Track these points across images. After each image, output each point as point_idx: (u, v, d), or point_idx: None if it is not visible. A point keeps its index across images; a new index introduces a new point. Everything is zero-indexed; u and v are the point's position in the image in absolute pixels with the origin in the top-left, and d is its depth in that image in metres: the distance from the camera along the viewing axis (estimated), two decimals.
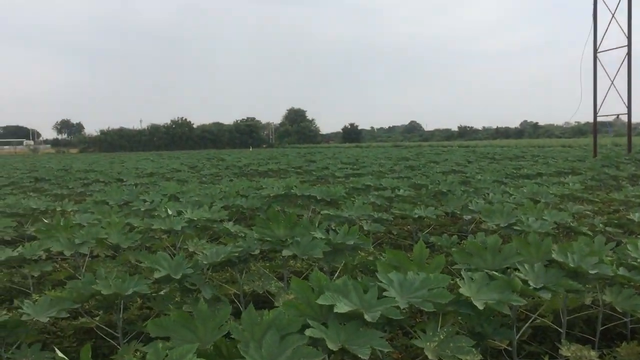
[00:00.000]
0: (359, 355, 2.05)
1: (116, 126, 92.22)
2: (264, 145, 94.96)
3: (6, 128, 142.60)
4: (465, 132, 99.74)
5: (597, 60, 20.16)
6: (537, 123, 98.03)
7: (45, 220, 5.11)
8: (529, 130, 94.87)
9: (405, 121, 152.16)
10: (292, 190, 7.50)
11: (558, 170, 13.08)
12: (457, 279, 3.18)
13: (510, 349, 3.02)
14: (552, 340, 3.37)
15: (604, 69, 20.10)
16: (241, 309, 3.79)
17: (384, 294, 2.43)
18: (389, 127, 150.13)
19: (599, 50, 20.15)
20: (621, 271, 3.04)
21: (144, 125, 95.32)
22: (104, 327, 3.52)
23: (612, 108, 20.60)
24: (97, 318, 3.73)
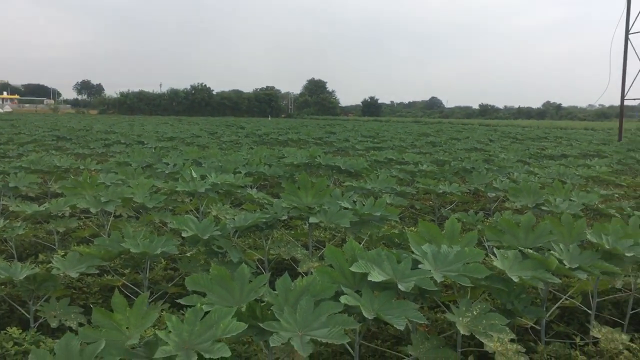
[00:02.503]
0: (395, 326, 2.02)
1: (136, 89, 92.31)
2: (283, 115, 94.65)
3: (27, 86, 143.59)
4: (486, 111, 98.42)
5: (629, 42, 19.66)
6: (560, 104, 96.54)
7: (72, 178, 5.14)
8: (552, 111, 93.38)
9: (426, 97, 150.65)
10: (316, 160, 7.46)
11: (583, 153, 12.88)
12: (487, 256, 3.14)
13: (537, 327, 2.98)
14: (580, 321, 3.33)
15: (635, 51, 19.62)
16: (265, 273, 3.79)
17: (419, 266, 2.39)
18: (409, 102, 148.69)
19: (631, 32, 19.62)
20: None
21: (164, 89, 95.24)
22: (130, 285, 3.54)
23: (639, 92, 20.16)
24: (124, 277, 3.75)
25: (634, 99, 20.79)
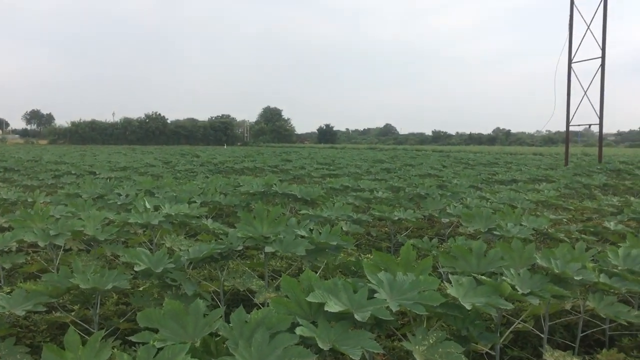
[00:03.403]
0: (351, 356, 2.01)
1: (88, 118, 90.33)
2: (239, 143, 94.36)
3: None
4: (439, 137, 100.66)
5: (572, 71, 20.52)
6: (509, 130, 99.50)
7: (20, 210, 4.96)
8: (502, 137, 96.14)
9: (381, 124, 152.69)
10: (272, 188, 7.44)
11: (532, 178, 13.26)
12: (442, 282, 3.17)
13: (492, 352, 3.02)
14: (533, 345, 3.39)
15: (578, 79, 20.47)
16: (220, 306, 3.72)
17: (375, 295, 2.40)
18: (364, 129, 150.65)
19: (573, 61, 20.50)
20: (602, 278, 3.08)
21: (117, 118, 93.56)
22: (80, 322, 3.42)
23: (583, 118, 20.95)
24: (73, 313, 3.62)
25: (579, 125, 21.62)
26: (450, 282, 2.72)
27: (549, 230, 5.60)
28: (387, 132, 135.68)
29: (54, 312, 3.69)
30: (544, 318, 3.17)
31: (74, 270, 3.16)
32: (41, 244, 4.27)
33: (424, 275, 2.63)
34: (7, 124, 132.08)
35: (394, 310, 2.32)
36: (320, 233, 3.93)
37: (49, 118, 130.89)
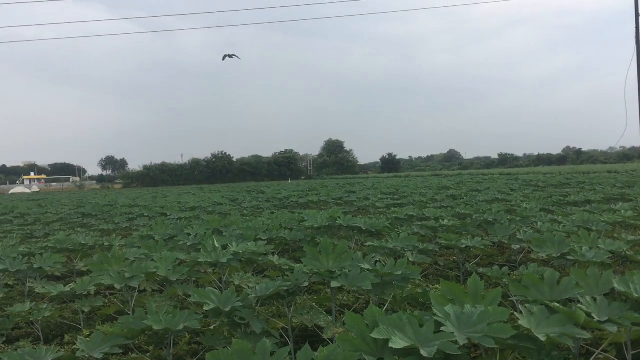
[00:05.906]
0: None
1: (158, 161, 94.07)
2: (303, 177, 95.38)
3: (54, 166, 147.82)
4: (505, 160, 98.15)
5: None
6: (580, 149, 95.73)
7: (98, 254, 5.20)
8: (572, 156, 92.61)
9: (444, 150, 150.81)
10: (336, 222, 7.46)
11: (607, 197, 12.69)
12: (513, 313, 3.08)
13: None
14: None
15: None
16: (289, 343, 3.75)
17: (442, 328, 2.35)
18: (428, 156, 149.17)
19: None
20: None
21: (185, 160, 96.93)
22: None
23: None
24: (148, 354, 3.74)
25: None
26: (521, 312, 2.63)
27: (628, 252, 5.33)
28: (451, 158, 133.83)
29: (130, 353, 3.82)
30: (626, 347, 3.01)
31: (147, 311, 3.27)
32: (117, 286, 4.44)
33: (493, 306, 2.56)
34: (85, 171, 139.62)
35: (461, 344, 2.27)
36: (385, 265, 3.91)
37: (123, 163, 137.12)
